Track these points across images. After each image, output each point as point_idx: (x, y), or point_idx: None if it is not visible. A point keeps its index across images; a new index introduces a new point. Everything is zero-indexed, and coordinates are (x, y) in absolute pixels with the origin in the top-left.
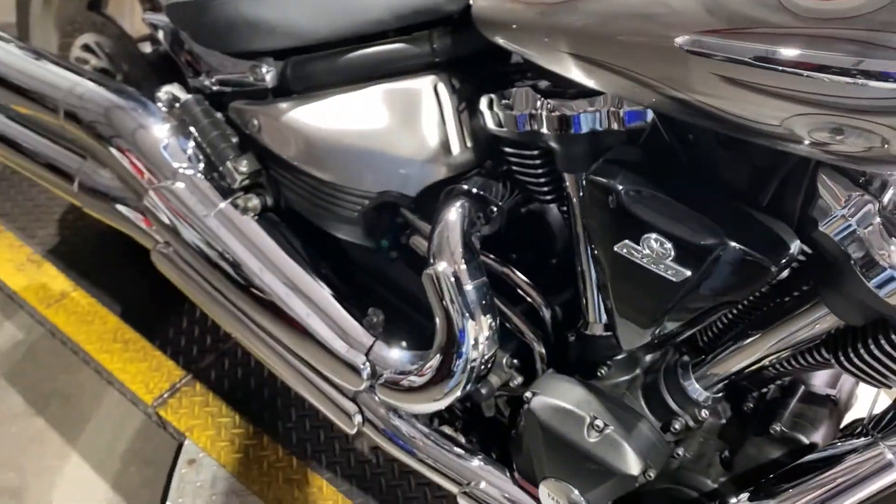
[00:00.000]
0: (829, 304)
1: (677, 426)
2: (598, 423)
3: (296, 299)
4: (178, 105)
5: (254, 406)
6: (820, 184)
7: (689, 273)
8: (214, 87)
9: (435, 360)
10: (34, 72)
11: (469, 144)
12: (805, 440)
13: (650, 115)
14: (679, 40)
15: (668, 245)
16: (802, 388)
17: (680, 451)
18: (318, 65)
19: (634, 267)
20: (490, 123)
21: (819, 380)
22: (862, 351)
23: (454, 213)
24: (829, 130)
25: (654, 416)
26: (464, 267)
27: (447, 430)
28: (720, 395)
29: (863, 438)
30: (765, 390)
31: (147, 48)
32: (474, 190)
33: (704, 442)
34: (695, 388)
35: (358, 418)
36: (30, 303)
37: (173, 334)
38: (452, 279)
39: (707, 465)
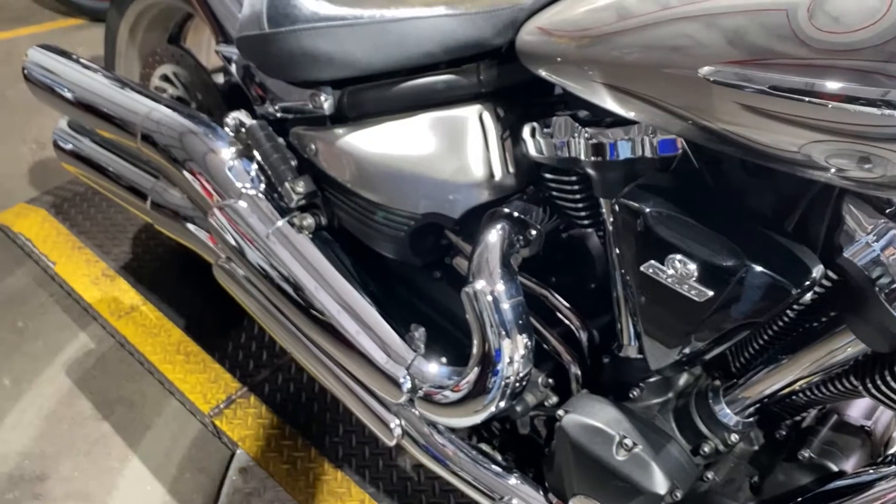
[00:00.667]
0: (855, 330)
1: (706, 449)
2: (627, 442)
3: (343, 313)
4: (243, 130)
5: (303, 420)
6: (845, 211)
7: (711, 293)
8: (278, 114)
9: (471, 377)
10: (117, 98)
11: (511, 170)
12: (833, 467)
13: (681, 143)
14: (704, 71)
15: (692, 266)
16: (836, 416)
17: (710, 474)
18: (373, 94)
19: (660, 287)
20: (532, 151)
21: (856, 411)
22: (889, 378)
23: (494, 235)
24: (845, 157)
25: (683, 438)
26: (501, 286)
27: (484, 446)
28: (751, 420)
29: (893, 467)
30: (799, 418)
31: (220, 79)
32: (515, 213)
33: (735, 467)
34: (725, 413)
35: (398, 431)
36: (102, 315)
37: (232, 349)
38: (490, 298)
39: (736, 490)
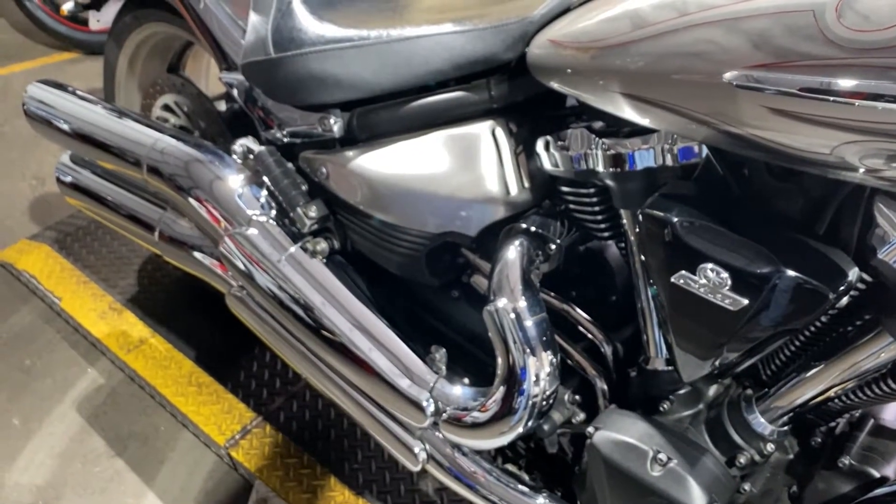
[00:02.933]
0: (893, 332)
1: (742, 460)
2: (662, 457)
3: (362, 338)
4: (251, 156)
5: (321, 447)
6: (877, 211)
7: (746, 302)
8: (285, 139)
9: (497, 397)
10: (120, 130)
11: (527, 185)
12: (875, 473)
13: (703, 150)
14: (728, 76)
15: (725, 274)
16: (872, 421)
17: (746, 486)
18: (382, 114)
19: (692, 297)
20: (547, 164)
21: (890, 413)
22: None
23: (513, 252)
24: (879, 157)
25: (718, 450)
26: (523, 303)
27: (511, 467)
28: (786, 428)
29: None
30: (833, 424)
31: (222, 106)
32: (533, 228)
33: (772, 477)
34: (759, 422)
35: (422, 455)
36: (111, 349)
37: (244, 378)
38: (513, 315)
39: (775, 501)
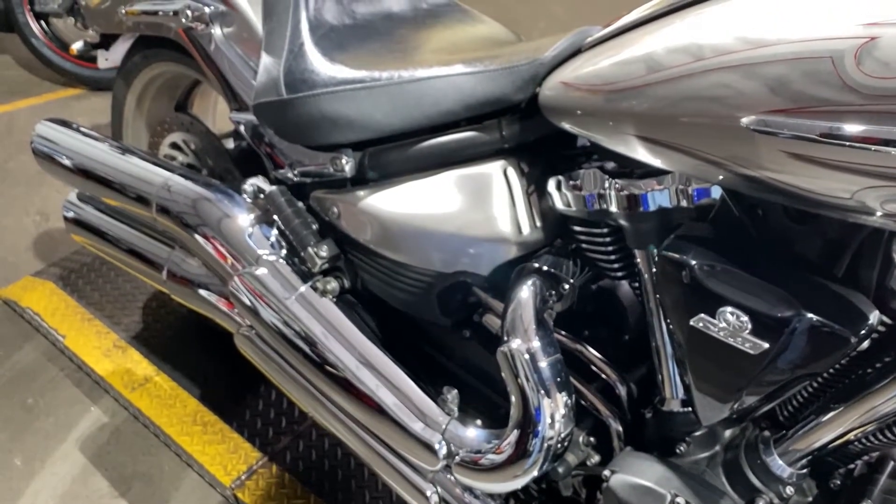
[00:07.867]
0: None
1: None
2: (679, 500)
3: (372, 379)
4: (262, 196)
5: (328, 488)
6: (895, 254)
7: (766, 345)
8: (296, 178)
9: (511, 439)
10: (130, 169)
11: (538, 224)
12: None
13: (718, 191)
14: (745, 120)
15: (745, 318)
16: (892, 463)
17: None
18: (394, 154)
19: (711, 341)
20: (559, 204)
21: None
22: None
23: (526, 291)
24: None
25: (736, 493)
26: (537, 344)
27: None
28: (805, 471)
29: None
30: (852, 466)
31: (230, 144)
32: (545, 268)
33: None
34: (778, 465)
35: (434, 498)
36: (115, 387)
37: (249, 417)
38: (527, 356)
39: None
